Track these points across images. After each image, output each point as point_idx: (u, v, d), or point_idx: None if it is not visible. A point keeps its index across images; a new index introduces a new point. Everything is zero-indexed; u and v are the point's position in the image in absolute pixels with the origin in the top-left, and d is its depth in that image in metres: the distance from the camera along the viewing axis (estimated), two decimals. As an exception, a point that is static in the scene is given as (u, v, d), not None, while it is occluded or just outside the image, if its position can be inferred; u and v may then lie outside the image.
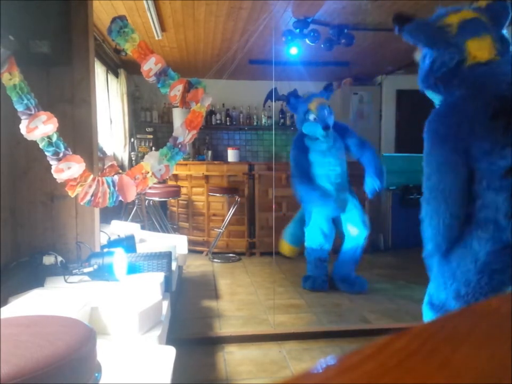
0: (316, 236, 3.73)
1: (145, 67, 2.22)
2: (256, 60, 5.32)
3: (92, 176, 2.03)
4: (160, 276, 2.19)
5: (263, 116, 6.54)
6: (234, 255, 4.91)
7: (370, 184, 3.63)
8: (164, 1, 3.45)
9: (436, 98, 1.79)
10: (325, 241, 3.72)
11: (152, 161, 2.14)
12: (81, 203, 2.04)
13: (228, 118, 6.48)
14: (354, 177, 4.81)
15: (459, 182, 1.59)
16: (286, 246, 3.94)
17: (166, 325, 2.08)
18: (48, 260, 2.18)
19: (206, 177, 5.04)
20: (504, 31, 1.72)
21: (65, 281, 2.05)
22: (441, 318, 0.43)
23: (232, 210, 4.78)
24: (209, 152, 6.31)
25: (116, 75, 5.39)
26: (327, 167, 3.75)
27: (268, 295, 3.55)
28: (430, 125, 1.65)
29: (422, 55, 1.87)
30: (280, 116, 6.57)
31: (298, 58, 4.70)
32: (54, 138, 1.92)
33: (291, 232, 3.97)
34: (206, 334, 2.82)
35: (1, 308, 1.60)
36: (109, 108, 4.95)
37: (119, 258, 2.12)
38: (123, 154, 5.41)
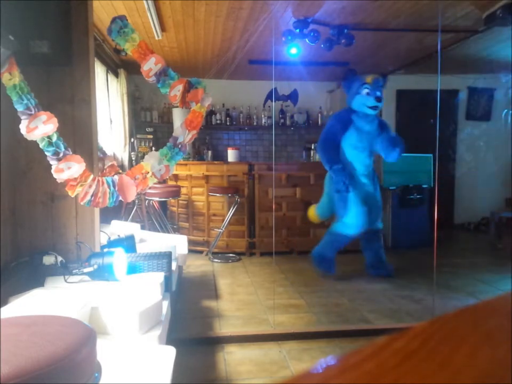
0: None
1: (145, 67, 2.22)
2: (256, 60, 5.32)
3: (91, 176, 2.03)
4: (160, 276, 2.19)
5: (263, 116, 6.53)
6: (234, 255, 4.91)
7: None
8: (164, 1, 3.45)
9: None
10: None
11: (152, 161, 2.14)
12: (81, 203, 2.04)
13: (228, 118, 6.47)
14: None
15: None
16: (312, 214, 4.38)
17: (166, 325, 2.08)
18: (48, 259, 2.18)
19: (206, 177, 5.04)
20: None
21: (65, 281, 2.05)
22: (440, 318, 0.43)
23: (232, 210, 4.78)
24: (209, 152, 6.30)
25: (116, 75, 5.39)
26: (358, 151, 3.91)
27: (267, 295, 3.55)
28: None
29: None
30: (280, 115, 6.57)
31: (298, 58, 4.70)
32: (54, 138, 1.92)
33: (321, 205, 4.31)
34: (206, 334, 2.82)
35: (1, 308, 1.60)
36: (109, 107, 4.95)
37: (119, 258, 2.12)
38: (123, 154, 5.41)
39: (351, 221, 3.89)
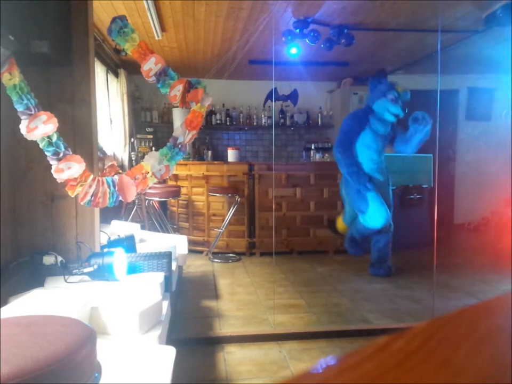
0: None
1: (145, 67, 2.22)
2: (256, 60, 5.32)
3: (91, 176, 2.03)
4: (160, 276, 2.19)
5: (263, 116, 6.53)
6: (234, 255, 4.91)
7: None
8: (164, 1, 3.45)
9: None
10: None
11: (152, 161, 2.14)
12: (81, 203, 2.04)
13: (228, 118, 6.47)
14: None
15: None
16: (341, 225, 4.46)
17: (166, 325, 2.08)
18: (48, 260, 2.18)
19: (206, 177, 5.04)
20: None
21: (65, 281, 2.05)
22: (440, 318, 0.43)
23: (232, 210, 4.78)
24: (209, 152, 6.30)
25: (116, 75, 5.39)
26: (371, 151, 3.96)
27: (268, 295, 3.55)
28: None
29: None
30: (280, 115, 6.57)
31: (298, 58, 4.70)
32: (54, 138, 1.92)
33: (346, 215, 4.36)
34: (206, 334, 2.82)
35: (1, 308, 1.60)
36: (109, 107, 4.95)
37: (119, 258, 2.12)
38: (123, 154, 5.41)
39: (373, 215, 3.93)
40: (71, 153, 1.99)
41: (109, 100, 4.96)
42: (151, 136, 6.00)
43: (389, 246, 4.11)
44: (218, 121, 6.46)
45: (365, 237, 4.22)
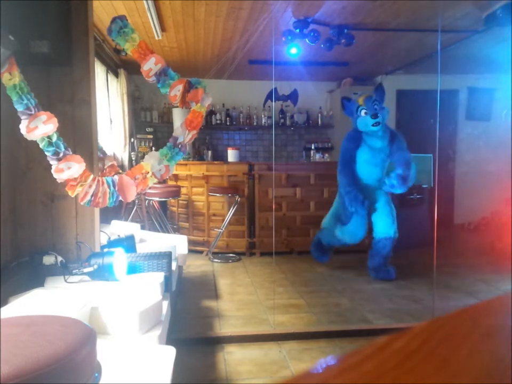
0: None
1: (145, 67, 2.22)
2: (256, 60, 5.32)
3: (91, 176, 2.03)
4: (160, 276, 2.19)
5: (263, 116, 6.53)
6: (234, 255, 4.91)
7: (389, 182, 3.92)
8: (164, 1, 3.45)
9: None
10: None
11: (152, 161, 2.14)
12: (81, 203, 2.04)
13: (228, 118, 6.47)
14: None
15: None
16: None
17: (166, 325, 2.08)
18: (48, 260, 2.18)
19: (206, 177, 5.04)
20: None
21: (65, 281, 2.05)
22: (440, 318, 0.43)
23: (232, 210, 4.78)
24: (209, 152, 6.30)
25: (116, 75, 5.39)
26: (370, 166, 4.01)
27: (268, 295, 3.55)
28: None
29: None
30: (280, 115, 6.57)
31: (298, 58, 4.70)
32: (54, 138, 1.92)
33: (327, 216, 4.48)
34: (206, 334, 2.82)
35: (1, 308, 1.60)
36: (109, 107, 4.95)
37: (119, 258, 2.12)
38: (123, 154, 5.41)
39: (352, 231, 4.02)
40: (71, 153, 1.99)
41: (109, 99, 4.96)
42: (151, 136, 6.00)
43: (390, 252, 4.13)
44: (218, 121, 6.46)
45: (332, 246, 4.35)
